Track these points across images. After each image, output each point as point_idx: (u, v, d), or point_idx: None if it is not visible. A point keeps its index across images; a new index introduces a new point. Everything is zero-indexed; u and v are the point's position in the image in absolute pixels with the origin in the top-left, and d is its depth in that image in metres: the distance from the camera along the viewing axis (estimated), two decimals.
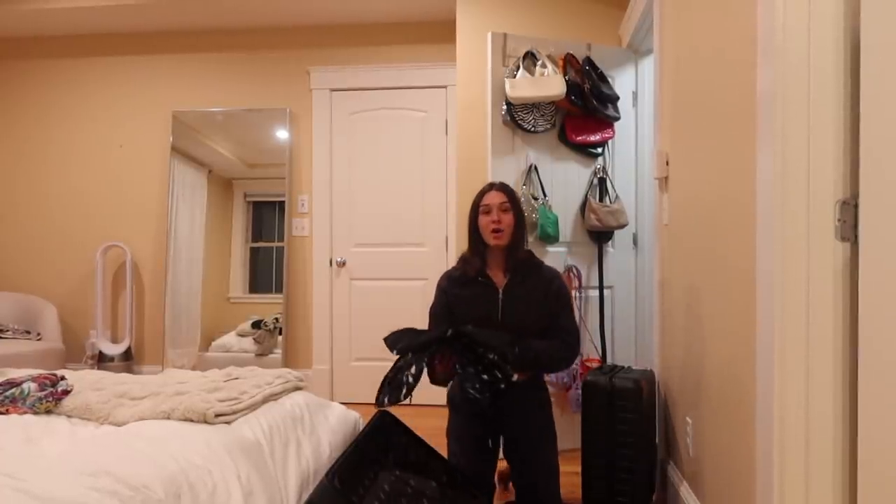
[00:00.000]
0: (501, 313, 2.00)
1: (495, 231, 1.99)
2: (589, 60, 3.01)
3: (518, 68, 2.87)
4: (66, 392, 1.83)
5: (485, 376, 1.78)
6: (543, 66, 2.89)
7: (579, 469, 2.21)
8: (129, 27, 4.12)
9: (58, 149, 4.27)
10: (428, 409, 3.78)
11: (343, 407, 2.24)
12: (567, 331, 2.04)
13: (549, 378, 2.87)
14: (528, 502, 2.05)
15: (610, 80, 3.07)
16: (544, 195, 2.95)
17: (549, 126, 2.95)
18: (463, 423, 2.09)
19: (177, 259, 4.13)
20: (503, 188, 2.07)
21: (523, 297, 2.01)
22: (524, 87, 2.82)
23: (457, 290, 2.07)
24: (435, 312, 2.13)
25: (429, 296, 2.21)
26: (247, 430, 1.69)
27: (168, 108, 4.14)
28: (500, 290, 2.03)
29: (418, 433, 2.03)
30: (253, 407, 1.85)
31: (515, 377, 1.82)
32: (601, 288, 3.06)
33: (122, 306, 4.17)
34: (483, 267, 2.05)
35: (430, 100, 3.99)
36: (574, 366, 2.97)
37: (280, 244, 4.09)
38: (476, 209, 2.06)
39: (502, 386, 1.77)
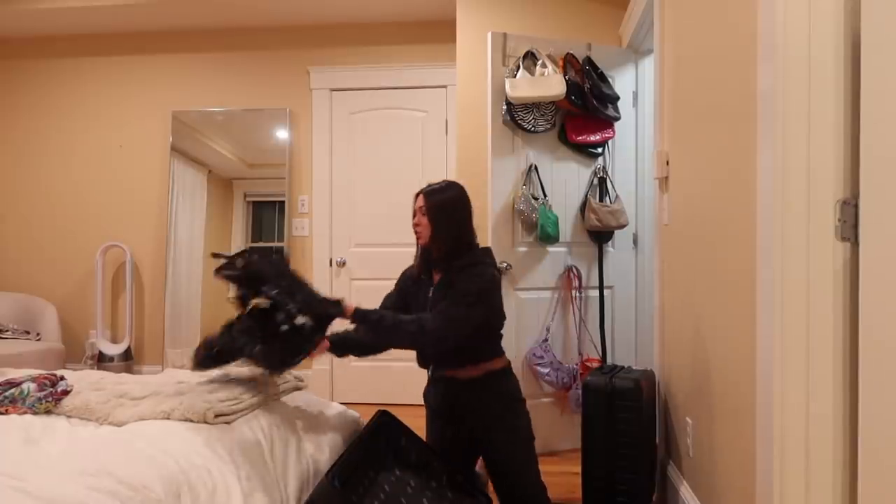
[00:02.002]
0: (430, 309, 2.03)
1: (416, 234, 2.09)
2: (589, 60, 3.01)
3: (518, 68, 2.87)
4: (66, 392, 1.83)
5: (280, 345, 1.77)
6: (543, 66, 2.89)
7: (579, 469, 2.21)
8: (129, 27, 4.12)
9: (58, 149, 4.26)
10: None
11: (343, 407, 2.24)
12: (441, 311, 1.92)
13: (549, 379, 2.87)
14: (505, 496, 2.04)
15: (610, 80, 3.07)
16: (544, 195, 2.95)
17: (549, 126, 2.95)
18: (431, 423, 2.15)
19: (177, 259, 4.12)
20: (426, 192, 2.08)
21: (444, 294, 2.01)
22: (524, 87, 2.82)
23: (409, 284, 2.19)
24: (388, 295, 2.25)
25: None
26: (247, 430, 1.68)
27: (168, 108, 4.14)
28: (432, 288, 2.08)
29: (418, 433, 2.03)
30: (253, 407, 1.85)
31: (302, 320, 1.77)
32: (601, 288, 3.06)
33: (121, 306, 4.17)
34: (426, 264, 2.13)
35: (430, 100, 3.98)
36: (574, 366, 2.97)
37: (280, 244, 4.09)
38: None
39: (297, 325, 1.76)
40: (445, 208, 2.05)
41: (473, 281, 1.96)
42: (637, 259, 3.21)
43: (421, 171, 3.98)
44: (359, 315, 1.90)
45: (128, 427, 1.62)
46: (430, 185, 2.11)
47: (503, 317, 2.10)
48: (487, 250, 2.12)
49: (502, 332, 2.11)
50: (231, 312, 1.92)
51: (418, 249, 2.14)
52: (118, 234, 4.18)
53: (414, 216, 2.10)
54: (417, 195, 2.11)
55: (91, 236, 4.19)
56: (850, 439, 1.18)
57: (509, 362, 2.12)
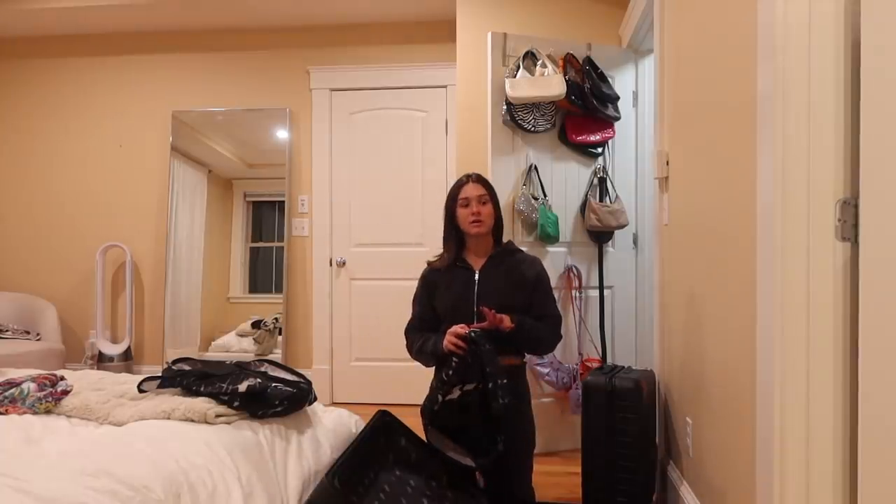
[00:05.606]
0: (477, 294, 2.06)
1: (475, 222, 2.09)
2: (589, 60, 3.01)
3: (518, 68, 2.87)
4: (66, 392, 1.83)
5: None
6: (543, 65, 2.89)
7: (579, 469, 2.21)
8: (128, 27, 4.12)
9: (58, 149, 4.26)
10: None
11: (342, 409, 2.24)
12: (552, 316, 2.12)
13: (549, 379, 2.87)
14: (497, 496, 2.03)
15: (610, 80, 3.07)
16: (544, 195, 2.95)
17: (549, 126, 2.95)
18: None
19: (177, 259, 4.12)
20: (479, 180, 2.15)
21: (499, 278, 2.09)
22: (524, 87, 2.82)
23: (436, 276, 2.17)
24: (416, 298, 2.22)
25: None
26: (247, 431, 1.69)
27: (168, 108, 4.14)
28: (477, 272, 2.11)
29: (418, 433, 2.03)
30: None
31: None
32: (601, 288, 3.06)
33: (121, 306, 4.16)
34: (460, 253, 2.15)
35: (430, 100, 3.98)
36: (574, 366, 2.97)
37: (280, 244, 4.09)
38: (454, 201, 2.14)
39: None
40: (495, 192, 2.15)
41: (545, 273, 2.15)
42: (637, 259, 3.21)
43: (421, 171, 3.98)
44: (518, 327, 2.00)
45: (128, 427, 1.62)
46: (467, 175, 2.16)
47: None
48: None
49: None
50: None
51: (456, 238, 2.13)
52: (118, 234, 4.17)
53: (467, 206, 2.08)
54: (465, 185, 2.12)
55: (91, 236, 4.19)
56: (851, 439, 1.18)
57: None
